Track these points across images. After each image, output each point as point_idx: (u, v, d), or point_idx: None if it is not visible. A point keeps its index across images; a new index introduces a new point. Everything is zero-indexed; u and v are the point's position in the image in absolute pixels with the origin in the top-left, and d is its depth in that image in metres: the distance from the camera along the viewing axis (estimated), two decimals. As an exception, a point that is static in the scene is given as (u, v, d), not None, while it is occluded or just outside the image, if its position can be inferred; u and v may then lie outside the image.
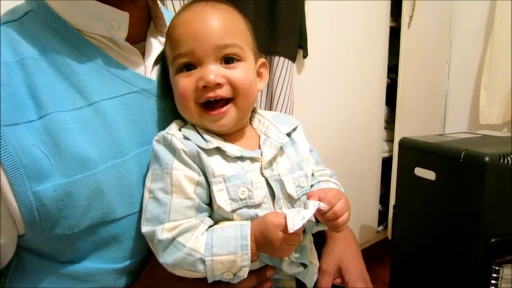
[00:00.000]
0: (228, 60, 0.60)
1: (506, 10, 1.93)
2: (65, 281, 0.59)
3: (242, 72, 0.61)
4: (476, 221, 1.19)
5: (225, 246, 0.55)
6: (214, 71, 0.59)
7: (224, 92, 0.59)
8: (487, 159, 1.16)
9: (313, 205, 0.57)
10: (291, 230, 0.53)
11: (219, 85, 0.58)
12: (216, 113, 0.59)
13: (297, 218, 0.54)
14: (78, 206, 0.55)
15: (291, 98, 1.46)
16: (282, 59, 1.42)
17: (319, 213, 0.58)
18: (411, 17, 1.88)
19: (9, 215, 0.53)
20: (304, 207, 0.58)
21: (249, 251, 0.55)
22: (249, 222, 0.58)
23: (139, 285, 0.63)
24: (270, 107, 1.43)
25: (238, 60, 0.61)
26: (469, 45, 2.17)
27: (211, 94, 0.59)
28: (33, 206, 0.52)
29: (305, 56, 1.53)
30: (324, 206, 0.57)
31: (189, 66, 0.60)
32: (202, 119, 0.60)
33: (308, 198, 0.59)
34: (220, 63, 0.60)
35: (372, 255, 0.73)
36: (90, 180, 0.55)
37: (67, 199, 0.54)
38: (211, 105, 0.60)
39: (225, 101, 0.60)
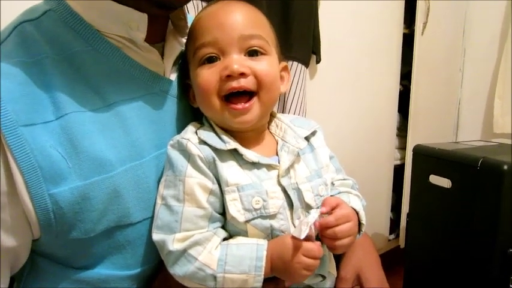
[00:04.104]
0: (252, 53, 0.59)
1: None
2: (79, 287, 0.58)
3: (267, 65, 0.59)
4: (493, 230, 1.17)
5: (239, 264, 0.54)
6: (238, 61, 0.57)
7: (248, 83, 0.58)
8: (505, 167, 1.14)
9: (315, 212, 0.56)
10: (302, 236, 0.53)
11: (243, 75, 0.57)
12: (240, 108, 0.58)
13: (303, 226, 0.54)
14: (95, 210, 0.54)
15: (304, 103, 1.45)
16: (295, 63, 1.41)
17: (320, 226, 0.56)
18: (425, 23, 1.87)
19: (24, 218, 0.52)
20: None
21: (263, 273, 0.54)
22: (266, 242, 0.56)
23: (153, 291, 0.62)
24: (282, 111, 1.42)
25: (262, 54, 0.60)
26: (482, 53, 2.16)
27: (235, 84, 0.57)
28: (49, 209, 0.51)
29: (318, 61, 1.52)
30: (322, 210, 0.56)
31: (211, 58, 0.59)
32: (224, 113, 0.58)
33: (322, 204, 0.58)
34: (244, 55, 0.59)
35: (382, 263, 0.72)
36: (108, 183, 0.54)
37: (84, 202, 0.53)
38: (234, 99, 0.58)
39: (248, 97, 0.59)
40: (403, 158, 2.07)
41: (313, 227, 0.55)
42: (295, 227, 0.58)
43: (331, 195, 0.65)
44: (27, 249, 0.56)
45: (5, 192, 0.50)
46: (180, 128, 0.62)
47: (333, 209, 0.58)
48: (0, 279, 0.54)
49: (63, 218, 0.52)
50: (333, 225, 0.56)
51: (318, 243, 0.56)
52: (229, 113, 0.58)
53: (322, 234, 0.57)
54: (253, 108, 0.59)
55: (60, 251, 0.57)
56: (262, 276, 0.54)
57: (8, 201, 0.50)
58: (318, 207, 0.57)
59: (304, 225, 0.54)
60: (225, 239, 0.57)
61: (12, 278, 0.58)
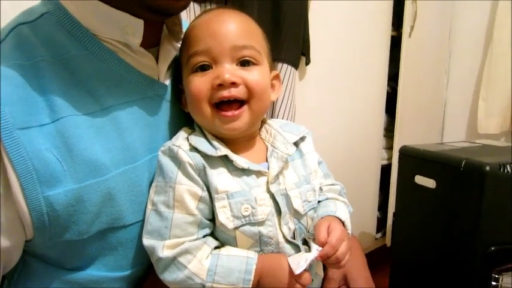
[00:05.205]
0: (244, 62, 0.60)
1: (505, 23, 1.95)
2: (70, 287, 0.58)
3: (258, 75, 0.60)
4: (476, 229, 1.19)
5: (227, 276, 0.55)
6: (230, 70, 0.58)
7: (239, 92, 0.59)
8: (487, 168, 1.16)
9: (316, 249, 0.57)
10: (298, 271, 0.55)
11: (234, 84, 0.58)
12: (230, 115, 0.59)
13: (301, 260, 0.55)
14: (89, 212, 0.55)
15: (293, 104, 1.46)
16: (284, 65, 1.42)
17: (321, 258, 0.58)
18: (412, 26, 1.90)
19: (18, 219, 0.52)
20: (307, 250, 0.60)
21: (250, 286, 0.55)
22: (256, 255, 0.57)
23: (143, 292, 0.63)
24: (271, 113, 1.43)
25: (254, 64, 0.61)
26: (468, 56, 2.19)
27: (225, 93, 0.58)
28: (43, 211, 0.52)
29: (307, 63, 1.53)
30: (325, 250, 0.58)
31: (204, 67, 0.59)
32: (215, 120, 0.59)
33: (315, 237, 0.59)
34: (237, 65, 0.60)
35: (369, 262, 0.73)
36: (102, 186, 0.55)
37: (78, 204, 0.54)
38: (224, 107, 0.59)
39: (238, 104, 0.60)
40: (390, 158, 2.09)
41: (310, 262, 0.57)
42: (282, 233, 0.60)
43: (319, 201, 0.67)
44: (20, 250, 0.57)
45: (0, 194, 0.50)
46: (173, 131, 0.63)
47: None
48: None
49: (57, 220, 0.53)
50: (333, 253, 0.58)
51: (309, 273, 0.58)
52: (219, 119, 0.59)
53: (325, 262, 0.59)
54: (243, 116, 0.60)
55: (52, 251, 0.57)
56: None
57: (3, 203, 0.51)
58: (317, 248, 0.58)
59: (303, 260, 0.55)
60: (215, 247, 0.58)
61: (3, 277, 0.58)
